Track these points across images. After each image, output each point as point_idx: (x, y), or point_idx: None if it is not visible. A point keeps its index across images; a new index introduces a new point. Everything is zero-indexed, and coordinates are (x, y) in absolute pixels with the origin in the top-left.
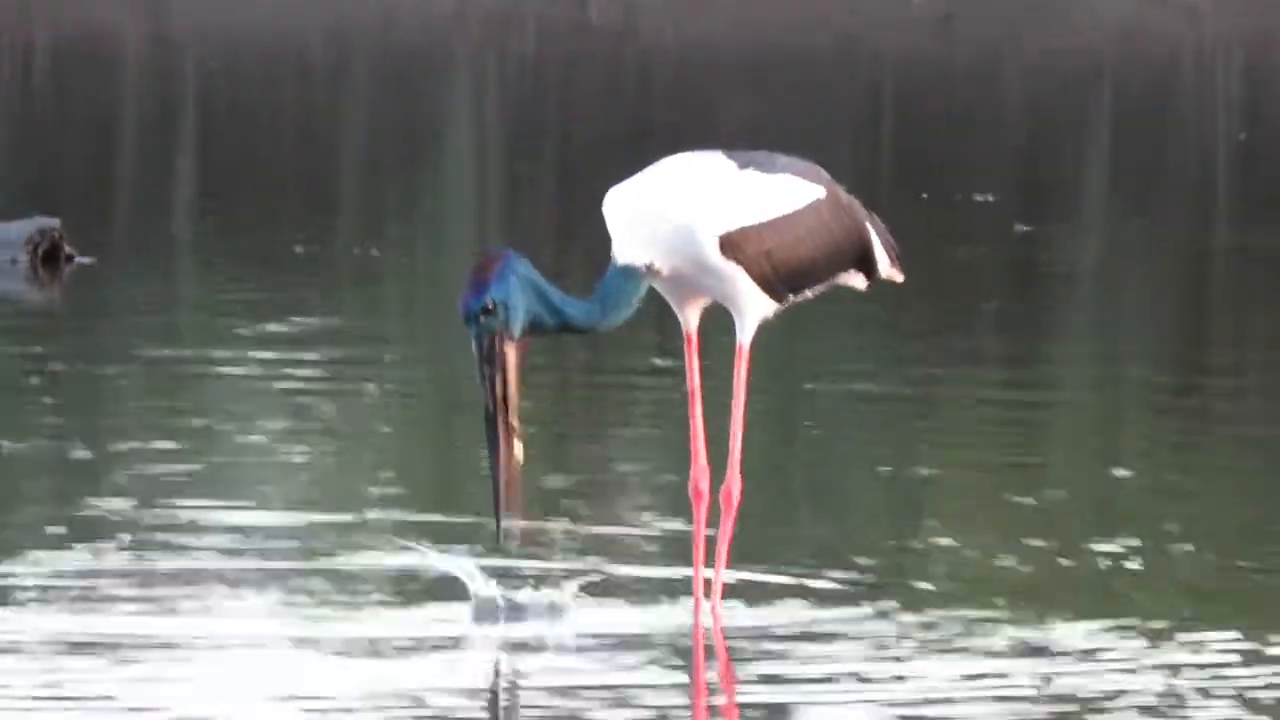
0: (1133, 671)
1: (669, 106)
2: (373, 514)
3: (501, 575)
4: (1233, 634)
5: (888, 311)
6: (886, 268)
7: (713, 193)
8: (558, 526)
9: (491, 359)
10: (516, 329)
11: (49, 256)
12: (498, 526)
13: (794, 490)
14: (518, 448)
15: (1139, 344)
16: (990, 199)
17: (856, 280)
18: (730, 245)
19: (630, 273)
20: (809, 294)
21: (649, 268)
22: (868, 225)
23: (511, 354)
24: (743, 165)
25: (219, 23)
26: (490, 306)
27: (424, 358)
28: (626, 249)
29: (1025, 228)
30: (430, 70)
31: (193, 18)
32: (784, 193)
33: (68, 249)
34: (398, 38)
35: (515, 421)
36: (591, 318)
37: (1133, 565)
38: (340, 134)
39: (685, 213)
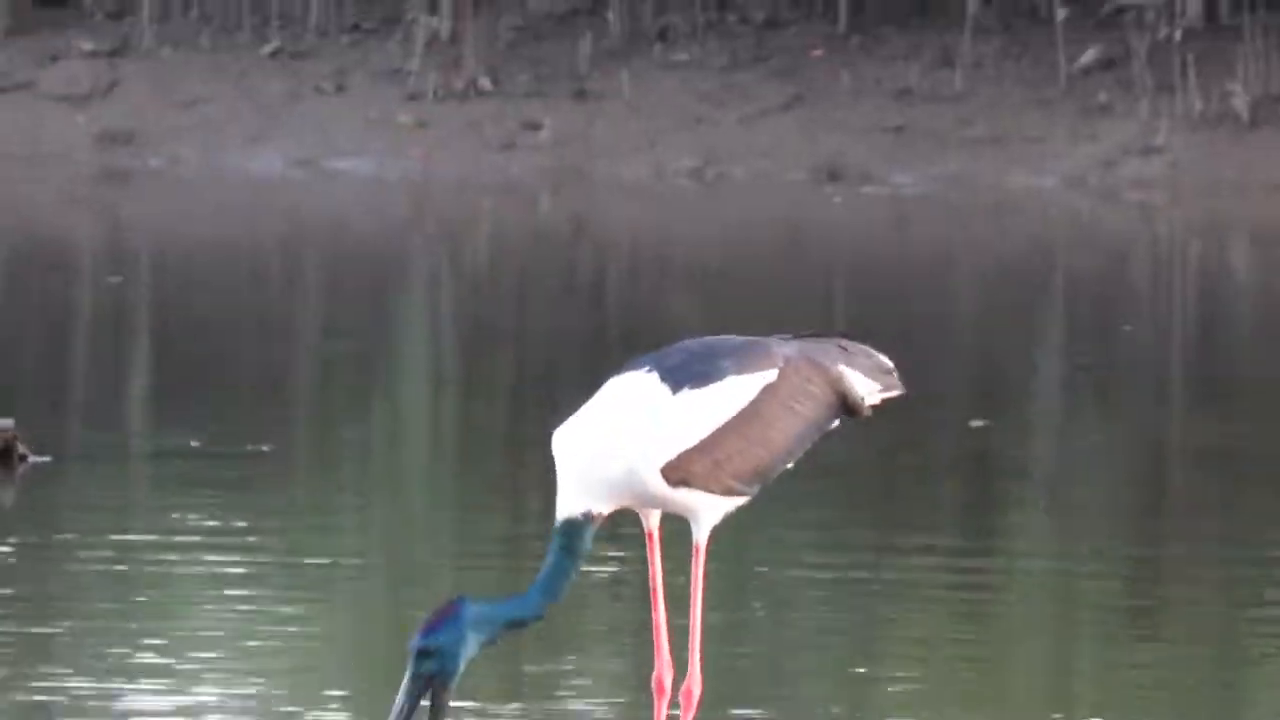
0: None
1: (624, 305)
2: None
3: None
4: None
5: (840, 494)
6: (876, 395)
7: (647, 427)
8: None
9: (410, 697)
10: (451, 678)
11: (2, 456)
12: None
13: (751, 680)
14: None
15: (1092, 538)
16: (945, 394)
17: (840, 420)
18: (675, 475)
19: (571, 531)
20: (789, 466)
21: (588, 515)
22: (841, 370)
23: (443, 700)
24: (678, 387)
25: (171, 225)
26: (431, 650)
27: (376, 568)
28: (568, 500)
29: (980, 423)
30: (385, 273)
31: (145, 221)
32: (725, 399)
33: (21, 449)
34: (350, 240)
35: None
36: (541, 606)
37: None
38: (294, 337)
39: (624, 454)
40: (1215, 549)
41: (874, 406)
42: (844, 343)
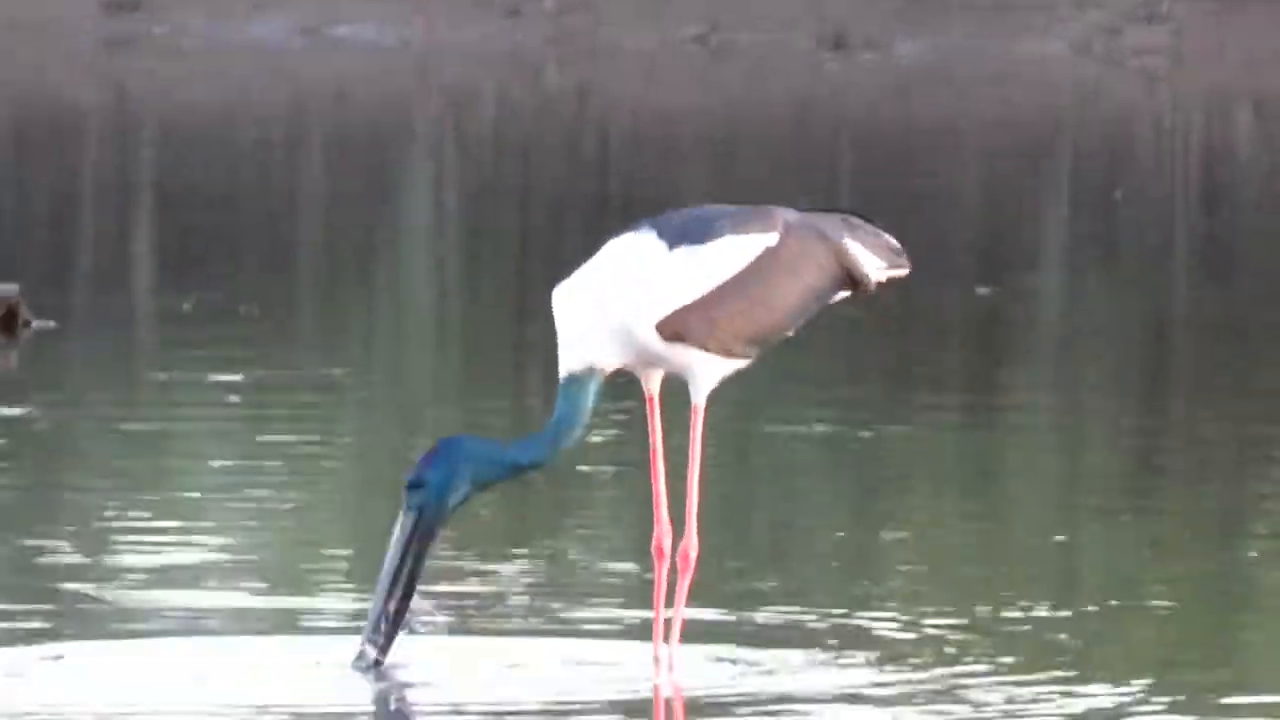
0: None
1: (627, 172)
2: (327, 584)
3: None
4: (1201, 693)
5: (844, 359)
6: (882, 272)
7: (642, 281)
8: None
9: (403, 530)
10: (440, 513)
11: (7, 322)
12: (363, 649)
13: (754, 542)
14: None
15: (1094, 403)
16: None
17: (850, 294)
18: (669, 329)
19: (576, 384)
20: (790, 334)
21: (590, 370)
22: (846, 242)
23: (426, 537)
24: (674, 244)
25: (177, 95)
26: (419, 482)
27: (381, 419)
28: (569, 355)
29: (986, 290)
30: (387, 141)
31: (150, 88)
32: (722, 258)
33: (25, 314)
34: (353, 110)
35: (405, 603)
36: (543, 453)
37: (1092, 626)
38: (297, 205)
39: (619, 308)
40: (1216, 416)
41: (879, 284)
42: (851, 218)
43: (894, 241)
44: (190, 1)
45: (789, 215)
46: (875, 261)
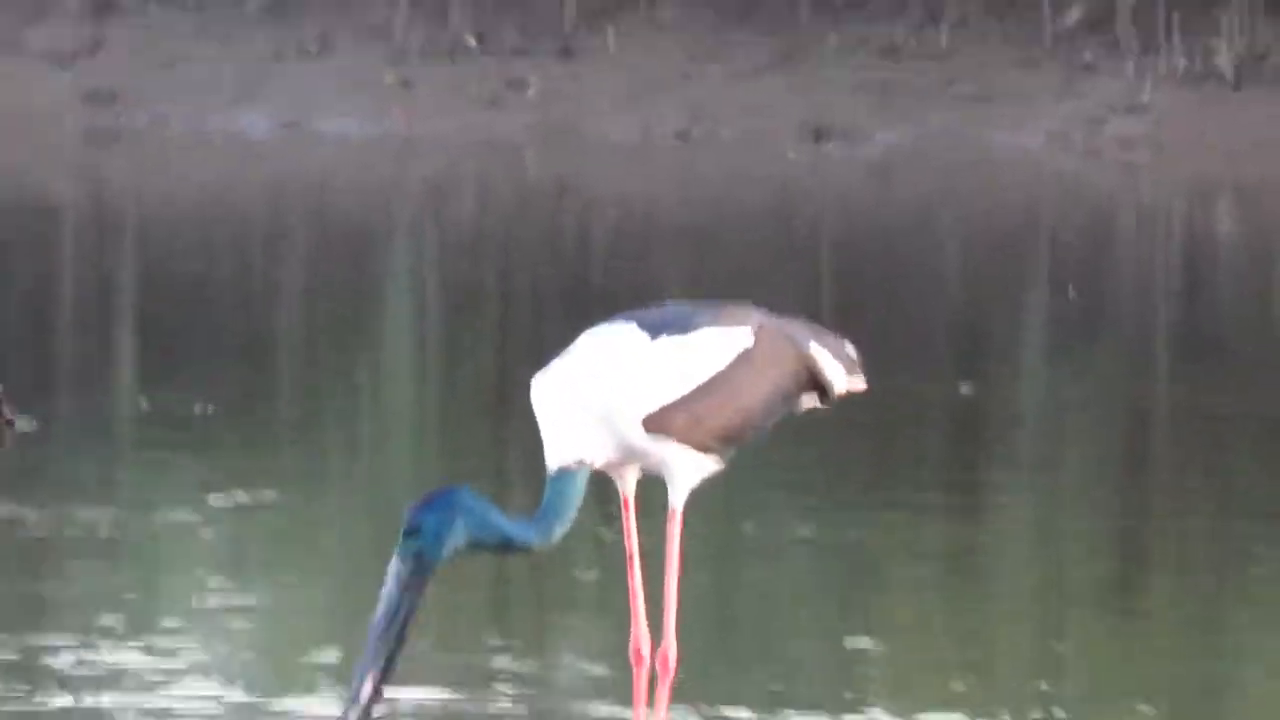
0: None
1: (608, 263)
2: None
3: None
4: None
5: (827, 459)
6: (843, 382)
7: (627, 374)
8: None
9: (397, 578)
10: (434, 560)
11: None
12: (348, 711)
13: (736, 646)
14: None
15: (1078, 499)
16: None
17: (812, 402)
18: (655, 425)
19: (565, 478)
20: (758, 437)
21: (580, 463)
22: (813, 348)
23: (418, 584)
24: (656, 335)
25: (157, 188)
26: (417, 528)
27: (362, 524)
28: (556, 450)
29: (968, 387)
30: (367, 233)
31: (130, 181)
32: (704, 354)
33: (7, 414)
34: (335, 202)
35: (397, 649)
36: (534, 538)
37: None
38: (279, 299)
39: (603, 402)
40: (1201, 511)
41: (839, 395)
42: (814, 324)
43: (853, 351)
44: (171, 93)
45: (760, 316)
46: (839, 369)
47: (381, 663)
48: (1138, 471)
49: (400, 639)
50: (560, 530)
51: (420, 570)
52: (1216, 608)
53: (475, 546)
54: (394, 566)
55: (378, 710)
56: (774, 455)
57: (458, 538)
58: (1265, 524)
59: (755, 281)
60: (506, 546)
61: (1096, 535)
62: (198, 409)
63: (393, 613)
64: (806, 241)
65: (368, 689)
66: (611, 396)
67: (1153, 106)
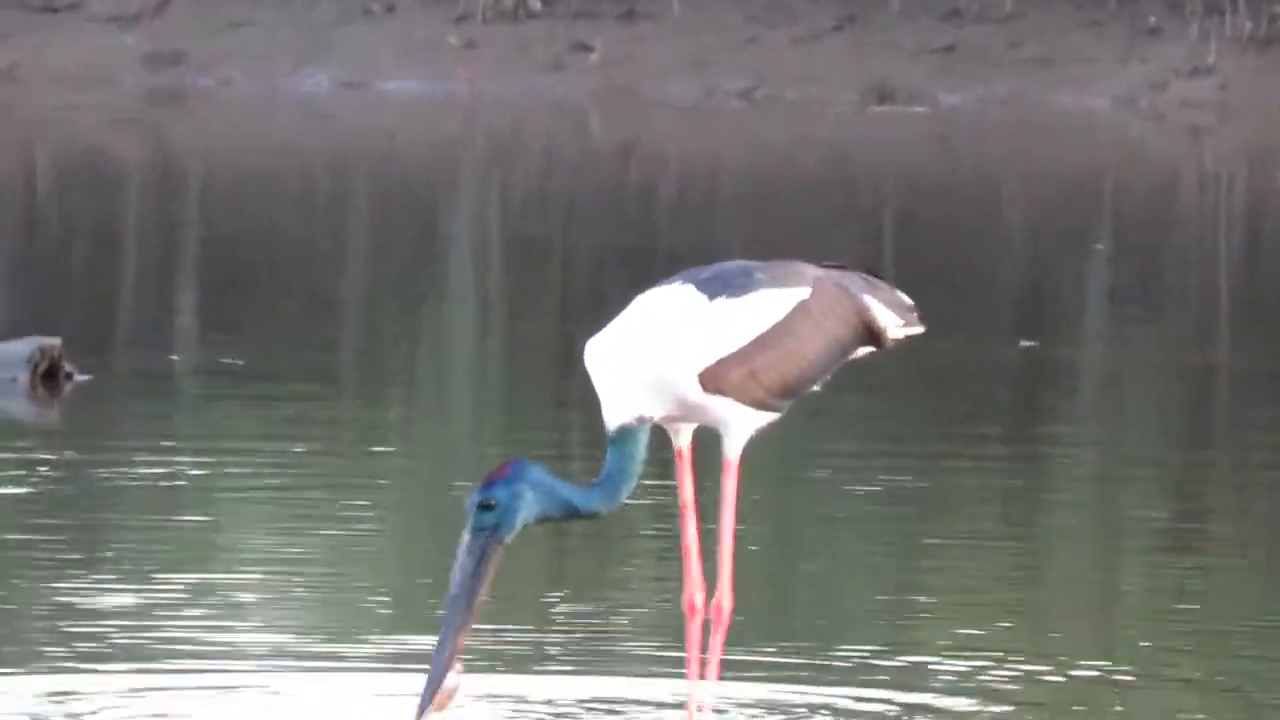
0: None
1: (670, 225)
2: (366, 637)
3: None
4: None
5: (887, 412)
6: (898, 330)
7: (683, 332)
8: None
9: (471, 552)
10: (507, 534)
11: (48, 375)
12: (421, 708)
13: (793, 598)
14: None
15: (1138, 456)
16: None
17: (868, 351)
18: (711, 380)
19: (625, 436)
20: (816, 388)
21: (640, 419)
22: (867, 299)
23: (495, 556)
24: (713, 295)
25: (220, 148)
26: (491, 503)
27: (422, 479)
28: (614, 409)
29: (1030, 343)
30: (434, 192)
31: (194, 140)
32: (760, 310)
33: (67, 367)
34: (400, 160)
35: (470, 619)
36: (600, 504)
37: (1125, 679)
38: (342, 256)
39: (659, 359)
40: (1259, 464)
41: (895, 340)
42: (868, 276)
43: (908, 300)
44: (233, 55)
45: (817, 271)
46: (893, 318)
47: (458, 632)
48: (1196, 426)
49: (474, 608)
50: (626, 491)
51: (492, 544)
52: (1271, 558)
53: (545, 518)
54: (466, 541)
55: (452, 680)
56: (834, 407)
57: (529, 511)
58: None
59: (817, 242)
60: (574, 515)
61: (1155, 488)
62: (258, 364)
63: (468, 585)
64: (868, 202)
65: (447, 657)
66: (666, 354)
67: (1217, 69)
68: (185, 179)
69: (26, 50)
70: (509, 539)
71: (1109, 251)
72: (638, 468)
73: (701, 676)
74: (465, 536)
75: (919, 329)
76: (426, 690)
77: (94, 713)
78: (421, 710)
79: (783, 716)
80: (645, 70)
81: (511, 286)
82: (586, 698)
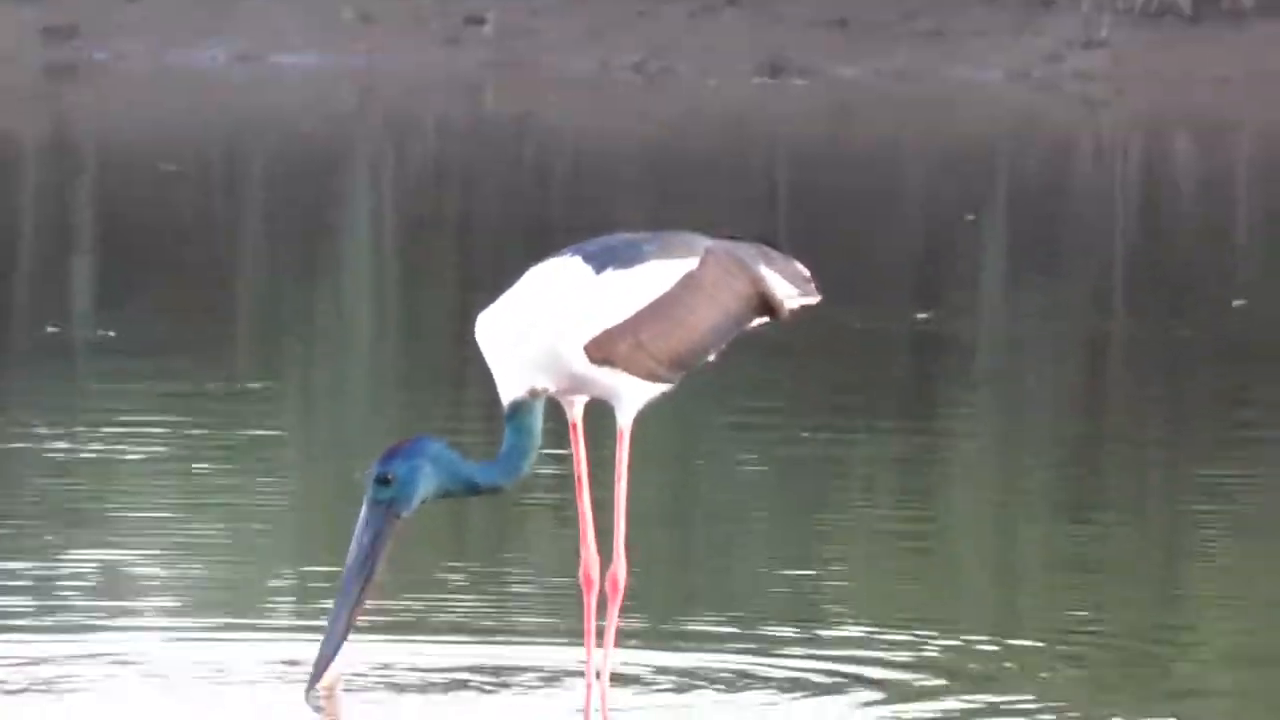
0: None
1: (566, 198)
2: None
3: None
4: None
5: (783, 383)
6: (795, 300)
7: (570, 304)
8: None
9: (368, 526)
10: (405, 508)
11: None
12: (313, 680)
13: (689, 569)
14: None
15: (1033, 423)
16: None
17: (763, 322)
18: (598, 351)
19: (521, 410)
20: (710, 359)
21: (533, 392)
22: (761, 269)
23: (388, 531)
24: (601, 267)
25: (117, 123)
26: (388, 477)
27: (317, 454)
28: (507, 383)
29: (925, 315)
30: (329, 166)
31: (89, 115)
32: (648, 281)
33: None
34: (294, 136)
35: (365, 592)
36: (501, 479)
37: (1022, 644)
38: (238, 231)
39: (545, 331)
40: (1152, 431)
41: (792, 312)
42: (764, 247)
43: (804, 270)
44: (130, 28)
45: (707, 242)
46: (788, 289)
47: (353, 605)
48: (1091, 395)
49: (370, 581)
50: (526, 466)
51: (390, 518)
52: (1168, 522)
53: (444, 494)
54: (364, 515)
55: (345, 648)
56: (730, 379)
57: (428, 486)
58: (1215, 445)
59: (712, 215)
60: (475, 491)
61: (1051, 456)
62: (146, 339)
63: (364, 558)
64: (764, 175)
65: (341, 630)
66: (553, 326)
67: (1110, 42)
68: (78, 154)
69: None
70: (407, 514)
71: (990, 223)
72: (536, 441)
73: (599, 647)
74: (364, 510)
75: (816, 299)
76: (317, 664)
77: None
78: (311, 684)
79: (677, 680)
80: (540, 44)
81: (407, 261)
82: (480, 665)
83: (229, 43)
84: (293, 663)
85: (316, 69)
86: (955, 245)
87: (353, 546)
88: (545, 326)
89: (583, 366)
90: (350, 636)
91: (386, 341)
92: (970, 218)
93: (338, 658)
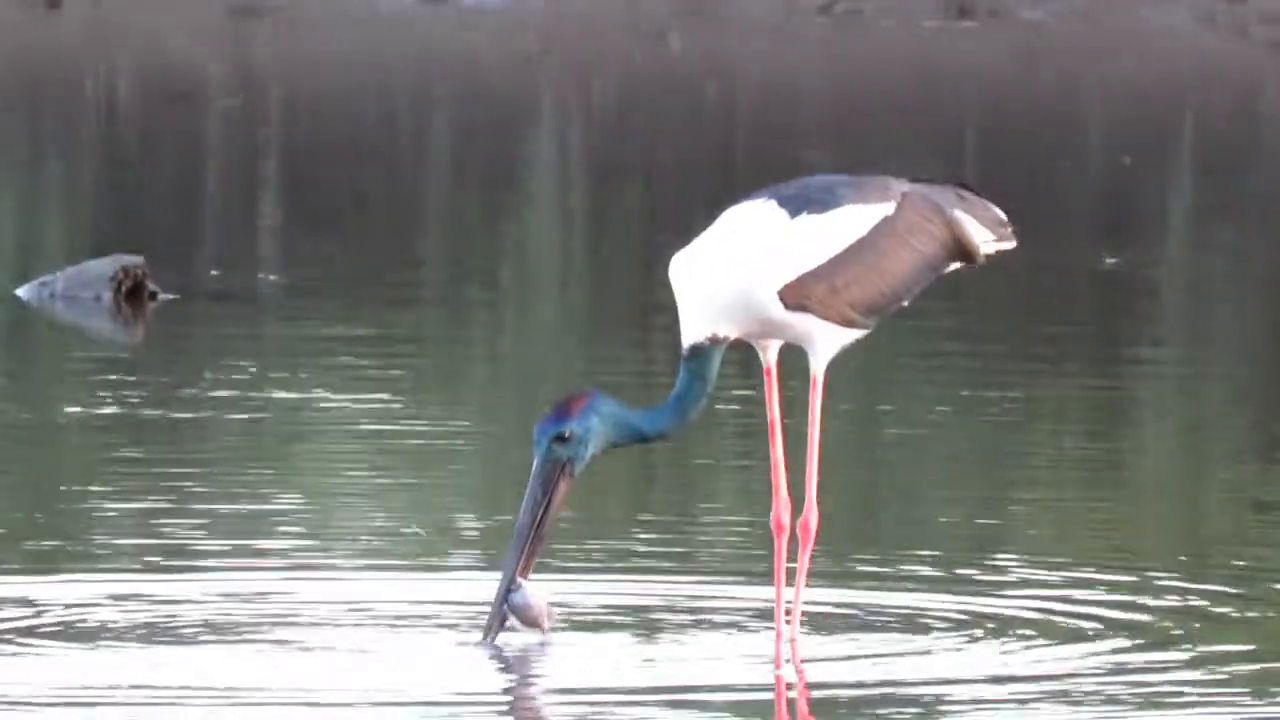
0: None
1: (751, 140)
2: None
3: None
4: None
5: (971, 328)
6: (991, 244)
7: (766, 248)
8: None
9: (545, 483)
10: (579, 467)
11: (133, 294)
12: (489, 630)
13: (879, 515)
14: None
15: (1227, 370)
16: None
17: (959, 267)
18: (793, 296)
19: (699, 355)
20: (905, 304)
21: (714, 339)
22: (958, 214)
23: (564, 488)
24: (796, 212)
25: (302, 60)
26: (566, 435)
27: (509, 406)
28: (691, 325)
29: (1113, 260)
30: (514, 109)
31: (274, 57)
32: (844, 226)
33: (151, 286)
34: (481, 77)
35: (538, 548)
36: (668, 425)
37: (1222, 608)
38: (424, 173)
39: (742, 274)
40: None
41: (988, 256)
42: (961, 190)
43: (1001, 214)
44: None
45: (904, 186)
46: (984, 234)
47: (523, 560)
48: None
49: (542, 537)
50: (693, 412)
51: (564, 476)
52: None
53: (613, 446)
54: (537, 470)
55: (516, 598)
56: (917, 324)
57: (599, 443)
58: None
59: (900, 156)
60: (642, 440)
61: (1237, 405)
62: (342, 281)
63: (537, 514)
64: (951, 117)
65: (508, 580)
66: (749, 270)
67: None
68: (267, 95)
69: None
70: (579, 471)
71: (1175, 167)
72: (708, 388)
73: (789, 604)
74: (536, 467)
75: (1012, 244)
76: (492, 614)
77: (175, 631)
78: (487, 633)
79: (866, 618)
80: None
81: (594, 202)
82: (672, 601)
83: None
84: (477, 606)
85: (500, 11)
86: (1137, 190)
87: (525, 502)
88: (740, 270)
89: (778, 311)
90: (521, 586)
91: (573, 284)
92: (1126, 161)
93: (519, 606)
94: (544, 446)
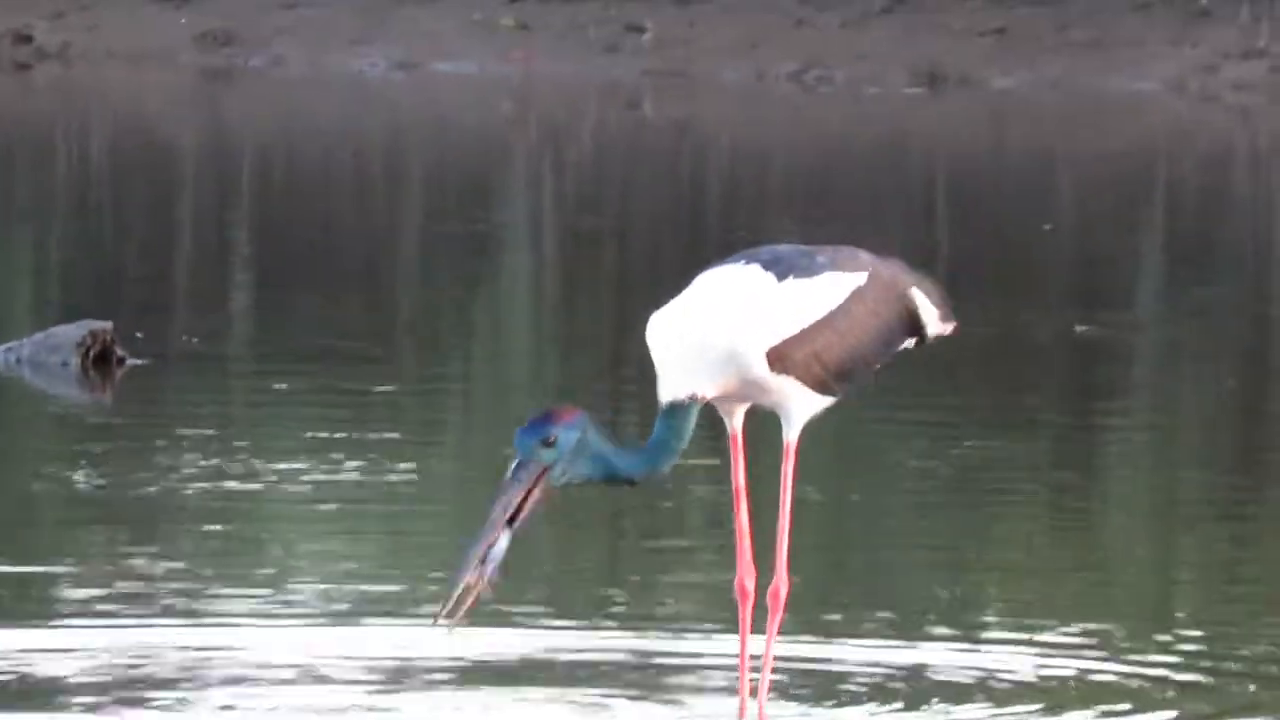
0: None
1: (722, 207)
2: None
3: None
4: None
5: (941, 395)
6: (937, 326)
7: (755, 309)
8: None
9: (521, 481)
10: (558, 477)
11: (100, 359)
12: (439, 614)
13: (845, 580)
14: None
15: (1192, 435)
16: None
17: (908, 345)
18: (778, 358)
19: (676, 411)
20: (872, 376)
21: (693, 398)
22: (914, 292)
23: (541, 493)
24: (782, 275)
25: (275, 123)
26: (550, 440)
27: (483, 477)
28: (670, 384)
29: (1084, 327)
30: (487, 173)
31: (246, 121)
32: (826, 292)
33: (119, 351)
34: (453, 140)
35: (501, 550)
36: (641, 470)
37: (1192, 665)
38: (397, 235)
39: (730, 336)
40: None
41: (933, 338)
42: (909, 268)
43: (944, 295)
44: (287, 35)
45: (870, 257)
46: (934, 313)
47: (485, 551)
48: (1250, 411)
49: (512, 532)
50: (666, 464)
51: (544, 477)
52: None
53: (584, 478)
54: (515, 471)
55: (486, 596)
56: (890, 387)
57: (576, 463)
58: None
59: (869, 223)
60: (613, 478)
61: (1208, 477)
62: (313, 344)
63: (510, 507)
64: (921, 184)
65: (469, 573)
66: (738, 330)
67: (1269, 52)
68: (239, 161)
69: (79, 30)
70: (555, 484)
71: (1147, 233)
72: (683, 444)
73: (754, 657)
74: (513, 467)
75: (952, 326)
76: (448, 595)
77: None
78: (441, 613)
79: (832, 686)
80: (697, 52)
81: (565, 267)
82: (635, 652)
83: (387, 50)
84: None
85: (475, 77)
86: (1111, 256)
87: (497, 495)
88: (728, 330)
89: (761, 371)
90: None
91: (544, 347)
92: (1047, 227)
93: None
94: (527, 448)
